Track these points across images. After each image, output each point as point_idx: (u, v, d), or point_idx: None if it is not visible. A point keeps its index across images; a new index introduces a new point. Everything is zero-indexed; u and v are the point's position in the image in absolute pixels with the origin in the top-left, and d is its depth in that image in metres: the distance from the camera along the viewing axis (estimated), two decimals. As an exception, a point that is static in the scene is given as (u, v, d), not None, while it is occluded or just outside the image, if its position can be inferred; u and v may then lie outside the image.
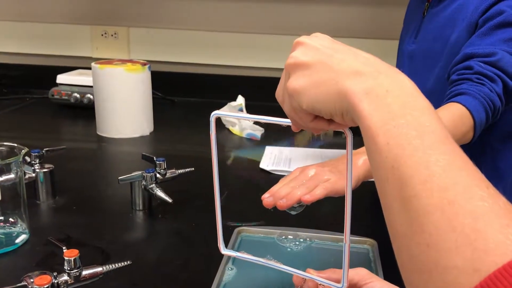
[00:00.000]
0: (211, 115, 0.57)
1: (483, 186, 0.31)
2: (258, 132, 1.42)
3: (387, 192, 0.34)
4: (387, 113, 0.36)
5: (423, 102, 0.36)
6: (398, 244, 0.34)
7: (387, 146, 0.34)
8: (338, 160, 0.78)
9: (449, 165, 0.32)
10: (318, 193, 0.69)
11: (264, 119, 0.53)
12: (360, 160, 0.75)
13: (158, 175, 0.95)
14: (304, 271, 0.58)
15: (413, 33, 1.08)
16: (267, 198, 0.69)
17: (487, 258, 0.27)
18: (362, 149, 0.75)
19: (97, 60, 1.47)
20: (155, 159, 0.97)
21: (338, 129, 0.45)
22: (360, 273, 0.56)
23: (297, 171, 0.75)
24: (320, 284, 0.56)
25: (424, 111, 0.35)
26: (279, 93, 0.47)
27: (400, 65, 1.12)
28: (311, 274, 0.56)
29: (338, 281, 0.54)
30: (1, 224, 0.84)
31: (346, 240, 0.50)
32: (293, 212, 0.74)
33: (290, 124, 0.49)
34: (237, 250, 0.71)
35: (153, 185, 0.94)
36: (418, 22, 1.08)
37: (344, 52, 0.41)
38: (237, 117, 0.56)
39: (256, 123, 1.44)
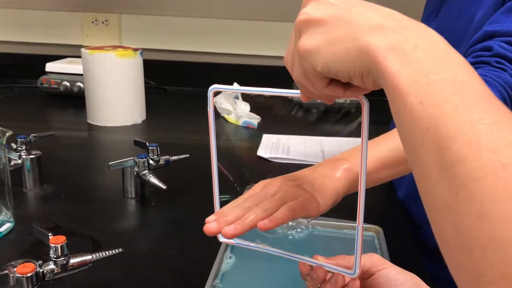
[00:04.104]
0: (209, 89, 0.53)
1: None
2: (255, 120, 1.37)
3: (421, 158, 0.30)
4: (417, 70, 0.31)
5: (458, 57, 0.32)
6: (439, 217, 0.29)
7: (420, 105, 0.30)
8: (316, 169, 0.62)
9: (497, 123, 0.27)
10: (280, 216, 0.52)
11: (269, 91, 0.48)
12: (339, 171, 0.61)
13: (151, 161, 0.91)
14: (308, 258, 0.54)
15: (434, 10, 0.96)
16: (210, 224, 0.52)
17: None
18: (342, 155, 0.65)
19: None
20: (147, 144, 0.93)
21: (354, 97, 0.41)
22: (372, 259, 0.51)
23: (259, 186, 0.58)
24: (329, 272, 0.52)
25: (460, 67, 0.31)
26: (287, 58, 0.42)
27: None
28: (320, 261, 0.51)
29: (348, 268, 0.50)
30: (-15, 212, 0.79)
31: (360, 222, 0.46)
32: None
33: (299, 95, 0.45)
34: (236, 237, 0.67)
35: (146, 171, 0.89)
36: None
37: (363, 6, 0.36)
38: (238, 90, 0.51)
39: (252, 111, 1.40)
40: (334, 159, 0.63)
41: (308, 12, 0.38)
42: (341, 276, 0.50)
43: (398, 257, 0.69)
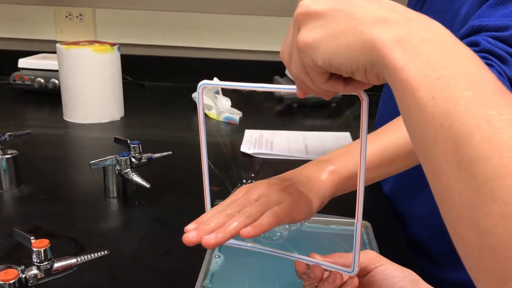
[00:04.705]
0: (198, 85, 0.51)
1: None
2: (236, 115, 1.35)
3: (435, 155, 0.29)
4: (426, 63, 0.30)
5: (466, 50, 0.31)
6: (457, 216, 0.28)
7: (432, 101, 0.29)
8: (302, 171, 0.59)
9: None
10: (264, 223, 0.49)
11: (262, 87, 0.47)
12: (324, 174, 0.58)
13: (133, 159, 0.88)
14: (304, 256, 0.52)
15: (419, 3, 0.94)
16: (189, 233, 0.48)
17: None
18: (328, 156, 0.62)
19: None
20: (129, 142, 0.90)
21: (354, 92, 0.39)
22: (369, 256, 0.50)
23: (241, 192, 0.55)
24: (326, 270, 0.51)
25: (470, 60, 0.30)
26: (284, 52, 0.40)
27: None
28: (317, 259, 0.50)
29: (346, 266, 0.49)
30: (-40, 215, 0.76)
31: (358, 220, 0.44)
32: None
33: (295, 90, 0.43)
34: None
35: (128, 169, 0.87)
36: None
37: None
38: (228, 86, 0.49)
39: (233, 106, 1.38)
40: (320, 161, 0.61)
41: (307, 4, 0.36)
42: (339, 274, 0.49)
43: (387, 252, 0.68)
